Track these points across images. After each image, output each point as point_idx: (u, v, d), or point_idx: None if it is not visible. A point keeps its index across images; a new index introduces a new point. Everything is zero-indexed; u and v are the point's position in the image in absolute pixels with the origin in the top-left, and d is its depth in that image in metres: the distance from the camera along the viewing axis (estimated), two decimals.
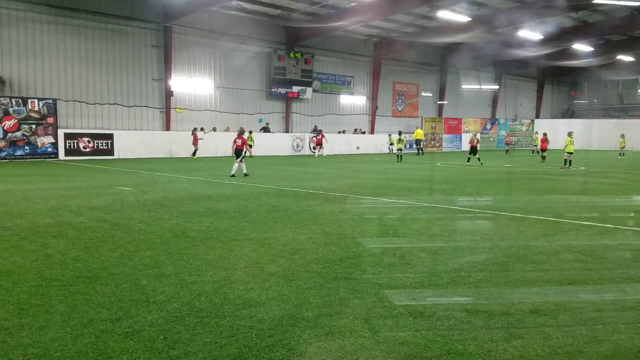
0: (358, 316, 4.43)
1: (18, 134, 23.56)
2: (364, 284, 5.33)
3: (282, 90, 34.89)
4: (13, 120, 23.35)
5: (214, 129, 31.27)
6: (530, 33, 35.23)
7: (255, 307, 4.63)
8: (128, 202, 10.95)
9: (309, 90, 36.22)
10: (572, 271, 5.99)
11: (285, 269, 5.84)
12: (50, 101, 24.73)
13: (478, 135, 28.86)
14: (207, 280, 5.39)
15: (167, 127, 29.86)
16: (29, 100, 23.98)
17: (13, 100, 23.48)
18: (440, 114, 47.14)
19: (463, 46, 39.56)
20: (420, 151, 36.03)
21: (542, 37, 35.96)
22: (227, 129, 32.03)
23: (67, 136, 25.16)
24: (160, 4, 28.03)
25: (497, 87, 51.10)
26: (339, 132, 38.60)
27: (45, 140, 24.42)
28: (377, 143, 38.96)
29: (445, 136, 45.15)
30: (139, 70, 28.93)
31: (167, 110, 29.89)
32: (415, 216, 9.67)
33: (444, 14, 30.59)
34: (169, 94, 29.70)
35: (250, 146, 26.39)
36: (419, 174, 19.85)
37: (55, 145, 24.71)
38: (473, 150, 25.94)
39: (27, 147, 23.86)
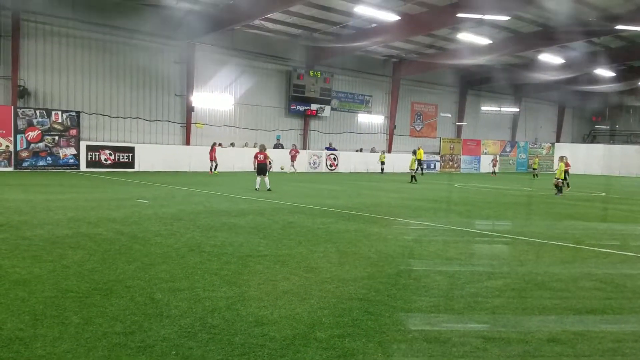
0: (371, 339, 4.37)
1: (41, 144, 24.02)
2: (378, 306, 5.27)
3: (301, 108, 35.16)
4: (37, 131, 23.84)
5: (232, 145, 31.58)
6: (552, 57, 35.07)
7: (267, 325, 4.60)
8: (146, 215, 11.05)
9: (327, 108, 36.44)
10: (591, 300, 5.85)
11: (299, 287, 5.82)
12: (74, 114, 25.22)
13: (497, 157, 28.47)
14: (221, 296, 5.39)
15: (187, 142, 30.21)
16: (53, 112, 24.49)
17: (37, 112, 24.00)
18: (459, 134, 46.97)
19: (483, 68, 39.52)
20: (420, 172, 35.46)
21: (564, 61, 35.77)
22: (246, 145, 32.30)
23: (89, 148, 25.58)
24: (185, 21, 28.56)
25: (517, 109, 50.79)
26: (357, 151, 38.65)
27: (67, 152, 24.86)
28: (395, 162, 38.86)
29: (463, 157, 44.93)
30: (162, 86, 29.43)
31: (187, 125, 30.28)
32: (432, 238, 9.58)
33: (464, 36, 30.65)
34: (190, 109, 30.10)
35: (270, 162, 26.65)
36: (436, 194, 19.72)
37: (77, 156, 25.13)
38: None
39: (49, 158, 24.30)
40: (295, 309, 5.05)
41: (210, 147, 27.71)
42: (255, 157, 18.03)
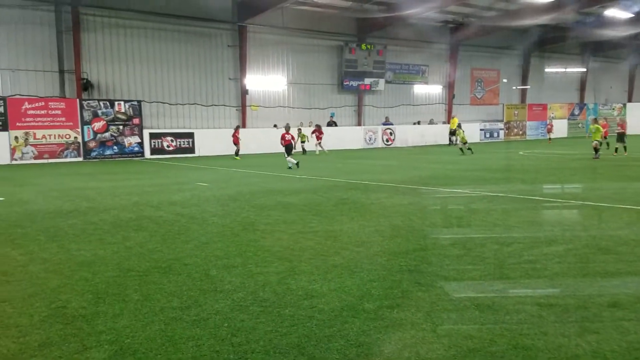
0: (420, 309, 4.31)
1: (107, 134, 25.20)
2: (428, 277, 5.19)
3: (354, 83, 34.79)
4: (102, 121, 25.01)
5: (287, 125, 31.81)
6: (619, 12, 32.62)
7: (316, 297, 4.64)
8: (205, 197, 11.38)
9: (382, 81, 35.84)
10: None
11: (349, 261, 5.81)
12: (136, 103, 26.22)
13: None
14: (272, 271, 5.48)
15: (244, 125, 30.73)
16: (116, 103, 25.57)
17: (101, 103, 25.14)
18: (523, 100, 44.98)
19: (547, 28, 37.39)
20: (452, 142, 34.24)
21: (632, 15, 33.18)
22: (301, 125, 32.43)
23: (152, 136, 26.57)
24: (234, 4, 28.84)
25: (585, 69, 47.88)
26: (414, 124, 37.89)
27: (131, 140, 25.95)
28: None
29: (529, 123, 42.98)
30: (216, 70, 29.98)
31: (242, 108, 30.77)
32: (491, 207, 9.28)
33: None
34: (244, 92, 30.55)
35: (303, 142, 26.67)
36: (498, 163, 19.08)
37: (141, 144, 26.20)
38: (620, 137, 21.53)
39: (115, 147, 25.48)
40: (345, 282, 5.06)
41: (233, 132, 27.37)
42: (283, 137, 18.32)
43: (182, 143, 27.39)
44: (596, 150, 19.69)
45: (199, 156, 27.33)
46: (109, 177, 16.50)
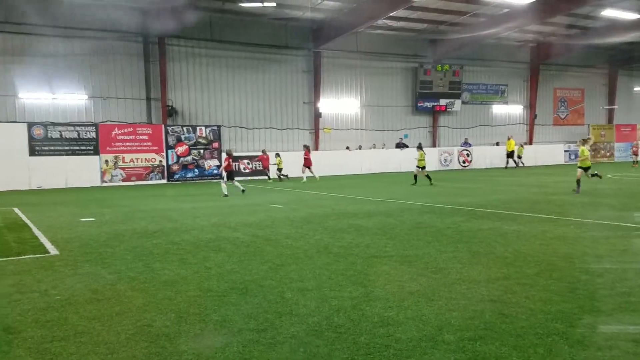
0: (505, 342, 4.08)
1: (189, 158, 26.41)
2: (513, 308, 4.91)
3: (429, 104, 34.37)
4: (185, 146, 26.26)
5: (360, 147, 31.91)
6: None
7: (393, 325, 4.52)
8: (278, 218, 11.56)
9: (458, 102, 35.16)
10: None
11: (426, 288, 5.64)
12: (216, 128, 27.37)
13: None
14: (347, 296, 5.42)
15: (316, 147, 31.14)
16: (198, 128, 26.80)
17: (184, 128, 26.44)
18: (610, 120, 42.40)
19: (634, 45, 35.21)
20: (511, 163, 32.47)
21: None
22: (373, 146, 32.43)
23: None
24: (310, 30, 29.58)
25: None
26: (494, 145, 36.67)
27: (211, 163, 27.02)
28: (538, 154, 36.20)
29: (617, 144, 40.40)
30: (291, 95, 30.73)
31: (315, 131, 31.24)
32: (579, 234, 8.73)
33: (609, 13, 27.63)
34: (317, 115, 31.04)
35: (280, 169, 25.45)
36: (585, 187, 17.97)
37: (219, 167, 27.15)
38: None
39: (196, 170, 26.62)
40: (422, 310, 4.91)
41: (261, 155, 26.89)
42: (226, 160, 17.61)
43: (257, 165, 28.10)
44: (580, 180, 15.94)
45: (272, 178, 27.89)
46: (190, 198, 17.21)
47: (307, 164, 24.52)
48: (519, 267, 6.52)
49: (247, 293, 5.66)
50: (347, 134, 32.40)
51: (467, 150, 34.35)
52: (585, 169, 15.79)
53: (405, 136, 34.03)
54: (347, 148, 30.93)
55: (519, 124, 38.80)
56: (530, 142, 38.52)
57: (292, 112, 30.88)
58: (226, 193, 17.05)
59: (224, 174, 17.82)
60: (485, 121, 37.44)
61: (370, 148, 32.32)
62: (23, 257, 7.86)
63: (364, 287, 5.77)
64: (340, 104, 32.12)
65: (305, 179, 23.78)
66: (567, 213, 11.32)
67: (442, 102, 34.57)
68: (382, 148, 32.56)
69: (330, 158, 29.69)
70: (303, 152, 25.17)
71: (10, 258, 7.75)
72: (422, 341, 4.15)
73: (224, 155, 25.98)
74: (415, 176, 20.63)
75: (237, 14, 27.59)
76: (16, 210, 14.00)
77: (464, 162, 33.92)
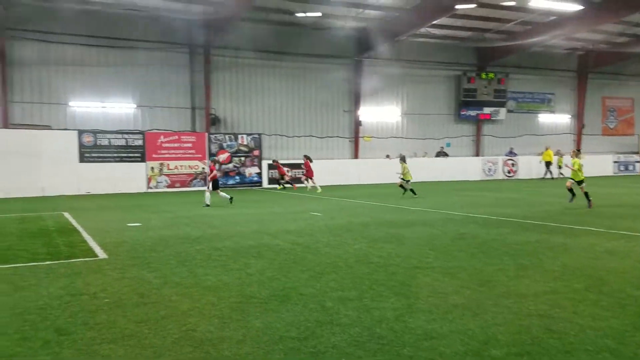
0: (554, 358, 3.95)
1: (230, 165, 26.84)
2: (562, 323, 4.75)
3: (472, 113, 33.84)
4: (227, 153, 26.71)
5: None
6: None
7: (437, 339, 4.44)
8: (318, 226, 11.58)
9: (503, 110, 34.49)
10: None
11: (471, 301, 5.52)
12: (257, 136, 27.73)
13: None
14: (389, 307, 5.36)
15: (356, 155, 31.10)
16: (239, 136, 27.22)
17: (227, 136, 26.91)
18: None
19: None
20: (548, 173, 31.17)
21: None
22: (415, 155, 32.10)
23: (270, 167, 27.77)
24: (351, 40, 29.67)
25: None
26: (538, 154, 35.67)
27: (251, 171, 27.37)
28: (585, 165, 34.90)
29: None
30: (331, 103, 30.83)
31: (355, 139, 31.21)
32: (630, 248, 8.40)
33: None
34: (357, 123, 31.02)
35: (282, 177, 25.50)
36: (634, 199, 17.27)
37: (260, 174, 27.53)
38: None
39: (237, 177, 27.00)
40: (467, 324, 4.80)
41: (275, 164, 26.82)
42: (212, 170, 17.33)
43: (296, 173, 28.27)
44: (571, 190, 15.35)
45: (311, 186, 27.99)
46: (231, 205, 17.45)
47: (309, 174, 24.28)
48: (567, 281, 6.31)
49: (288, 301, 5.68)
50: (387, 142, 32.20)
51: (512, 159, 33.55)
52: (579, 183, 14.87)
53: (448, 145, 33.57)
54: (387, 156, 30.72)
55: (567, 133, 37.69)
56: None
57: (332, 120, 30.97)
58: (208, 203, 16.60)
59: (209, 183, 17.51)
60: (531, 130, 36.54)
61: (411, 157, 31.96)
62: (73, 260, 8.14)
63: (406, 298, 5.69)
64: (380, 112, 32.01)
65: (319, 189, 23.45)
66: (617, 226, 10.89)
67: (487, 110, 33.99)
68: (424, 157, 32.21)
69: (370, 166, 29.58)
70: (303, 162, 24.80)
71: (61, 261, 8.04)
72: (468, 356, 4.06)
73: (264, 163, 26.46)
74: (402, 185, 19.76)
75: (281, 24, 27.96)
76: (66, 214, 14.53)
77: (509, 172, 33.12)
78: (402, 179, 19.51)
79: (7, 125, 23.45)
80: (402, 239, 9.60)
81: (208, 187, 17.62)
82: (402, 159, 20.02)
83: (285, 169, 26.35)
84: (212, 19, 25.27)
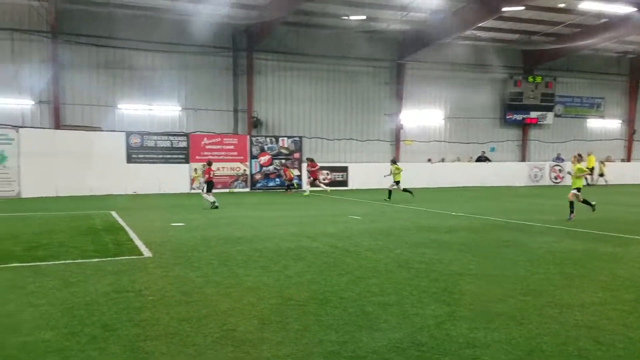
0: None
1: (270, 167, 27.10)
2: (610, 335, 4.57)
3: (518, 117, 33.08)
4: (267, 156, 26.99)
5: (443, 160, 31.19)
6: None
7: (479, 348, 4.35)
8: (357, 230, 11.54)
9: (550, 115, 33.56)
10: None
11: (515, 310, 5.37)
12: (297, 139, 27.92)
13: None
14: (429, 314, 5.28)
15: (397, 159, 30.81)
16: (280, 139, 27.46)
17: (268, 139, 27.20)
18: None
19: None
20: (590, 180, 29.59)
21: None
22: (458, 159, 31.60)
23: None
24: (394, 42, 29.49)
25: None
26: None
27: (292, 173, 27.51)
28: (636, 172, 33.55)
29: None
30: (373, 107, 30.73)
31: (396, 143, 30.98)
32: None
33: None
34: (398, 127, 30.78)
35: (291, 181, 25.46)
36: None
37: (300, 177, 27.65)
38: None
39: (277, 179, 27.24)
40: (511, 333, 4.68)
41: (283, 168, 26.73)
42: (207, 172, 17.04)
43: (336, 176, 28.28)
44: (582, 202, 14.10)
45: (351, 189, 27.95)
46: (271, 207, 17.62)
47: (314, 176, 23.97)
48: (615, 292, 6.08)
49: (327, 304, 5.67)
50: (429, 146, 31.82)
51: (559, 165, 32.52)
52: (578, 190, 13.77)
53: (492, 149, 32.87)
54: (429, 160, 30.37)
55: (617, 139, 36.29)
56: (628, 159, 35.87)
57: (373, 124, 30.86)
58: (215, 203, 16.49)
59: (204, 185, 17.36)
60: (580, 135, 35.38)
61: (453, 161, 31.52)
62: (119, 258, 8.39)
63: (447, 305, 5.60)
64: (422, 116, 31.67)
65: (328, 190, 23.47)
66: None
67: (533, 114, 33.19)
68: (469, 161, 31.65)
69: (411, 170, 29.18)
70: (307, 165, 24.72)
71: (108, 258, 8.30)
72: None
73: (304, 165, 26.54)
74: (390, 192, 19.89)
75: (323, 28, 28.09)
76: (113, 213, 15.00)
77: (555, 178, 32.11)
78: (394, 181, 20.01)
79: (58, 126, 24.43)
80: (443, 245, 9.45)
81: (203, 190, 17.61)
82: (393, 161, 21.12)
83: (296, 172, 26.39)
84: (256, 23, 25.63)
